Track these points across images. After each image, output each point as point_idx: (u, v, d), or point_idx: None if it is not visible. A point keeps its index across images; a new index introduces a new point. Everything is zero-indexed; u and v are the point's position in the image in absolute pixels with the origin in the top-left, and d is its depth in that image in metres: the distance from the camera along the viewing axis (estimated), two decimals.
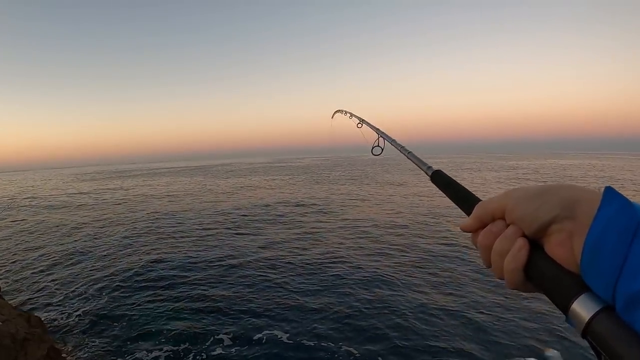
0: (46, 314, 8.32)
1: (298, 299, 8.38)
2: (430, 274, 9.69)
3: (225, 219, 18.20)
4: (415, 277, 9.46)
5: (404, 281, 9.18)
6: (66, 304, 8.90)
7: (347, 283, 9.19)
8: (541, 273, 0.47)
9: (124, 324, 7.79)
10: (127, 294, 9.30)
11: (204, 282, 9.78)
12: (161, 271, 10.72)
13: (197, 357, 6.45)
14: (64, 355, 6.27)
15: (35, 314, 7.20)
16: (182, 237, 14.86)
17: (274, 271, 10.27)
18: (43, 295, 9.49)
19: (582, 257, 0.42)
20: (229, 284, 9.54)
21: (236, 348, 6.67)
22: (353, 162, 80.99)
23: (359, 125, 2.42)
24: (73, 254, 13.26)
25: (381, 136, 1.74)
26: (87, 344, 7.06)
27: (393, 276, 9.50)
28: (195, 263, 11.31)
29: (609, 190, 0.43)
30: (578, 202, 0.45)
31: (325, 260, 10.99)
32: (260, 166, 77.34)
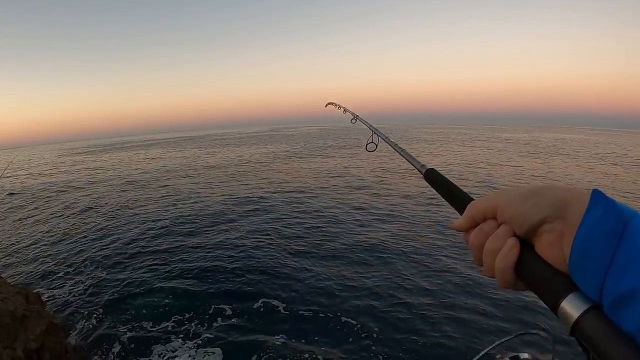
0: (44, 289, 8.49)
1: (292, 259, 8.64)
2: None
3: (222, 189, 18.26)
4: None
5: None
6: (63, 278, 9.09)
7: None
8: (531, 272, 0.48)
9: (122, 294, 8.05)
10: (124, 266, 9.54)
11: (202, 248, 9.99)
12: (157, 241, 10.91)
13: (199, 322, 6.72)
14: (63, 329, 6.44)
15: (33, 290, 7.35)
16: (172, 205, 14.94)
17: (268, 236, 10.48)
18: (40, 270, 9.66)
19: (571, 257, 0.43)
20: (223, 250, 9.74)
21: (235, 310, 6.99)
22: (347, 130, 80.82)
23: (353, 121, 2.51)
24: (68, 229, 13.36)
25: (375, 132, 1.76)
26: (86, 317, 7.29)
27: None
28: (191, 231, 11.48)
29: (595, 193, 0.45)
30: (568, 203, 0.46)
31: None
32: (255, 135, 76.66)
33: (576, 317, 0.40)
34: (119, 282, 8.63)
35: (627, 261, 0.39)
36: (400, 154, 1.28)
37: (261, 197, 16.18)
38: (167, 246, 10.69)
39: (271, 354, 5.86)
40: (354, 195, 16.24)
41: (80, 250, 10.99)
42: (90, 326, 7.01)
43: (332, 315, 6.85)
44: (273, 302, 7.38)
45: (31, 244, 11.98)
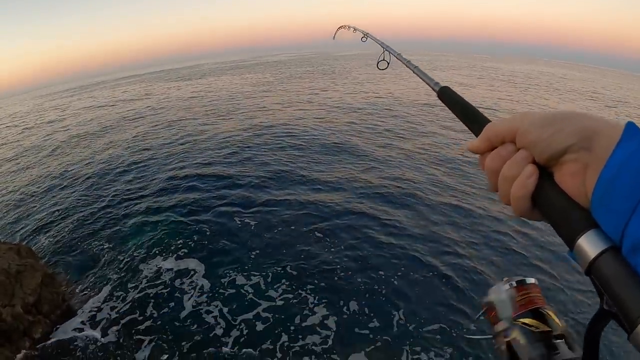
0: (35, 241, 9.12)
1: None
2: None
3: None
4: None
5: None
6: (53, 228, 9.68)
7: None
8: (549, 203, 0.46)
9: (112, 237, 8.84)
10: (106, 208, 10.26)
11: (187, 185, 10.61)
12: (136, 182, 11.45)
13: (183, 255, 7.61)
14: (58, 279, 7.17)
15: (24, 244, 7.95)
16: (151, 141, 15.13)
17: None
18: (28, 223, 10.19)
19: (594, 192, 0.41)
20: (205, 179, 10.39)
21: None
22: (327, 57, 77.54)
23: (364, 39, 2.51)
24: (54, 178, 13.62)
25: (386, 50, 1.70)
26: (78, 261, 8.04)
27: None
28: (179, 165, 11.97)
29: (630, 126, 0.41)
30: (597, 134, 0.42)
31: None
32: (233, 64, 72.90)
33: (593, 256, 0.39)
34: (103, 224, 9.43)
35: None
36: (413, 71, 1.24)
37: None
38: (146, 186, 11.24)
39: (249, 268, 6.81)
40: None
41: (66, 198, 11.50)
42: (83, 269, 7.80)
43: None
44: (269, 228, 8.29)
45: (16, 196, 12.40)
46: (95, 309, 6.57)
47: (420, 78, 1.11)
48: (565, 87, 40.11)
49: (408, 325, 5.89)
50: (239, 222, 8.92)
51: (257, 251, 7.86)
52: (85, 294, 7.08)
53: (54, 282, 6.66)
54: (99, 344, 5.79)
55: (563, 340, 0.50)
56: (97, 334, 5.98)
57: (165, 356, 5.50)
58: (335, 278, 7.02)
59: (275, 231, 8.52)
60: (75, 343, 5.82)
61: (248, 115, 20.75)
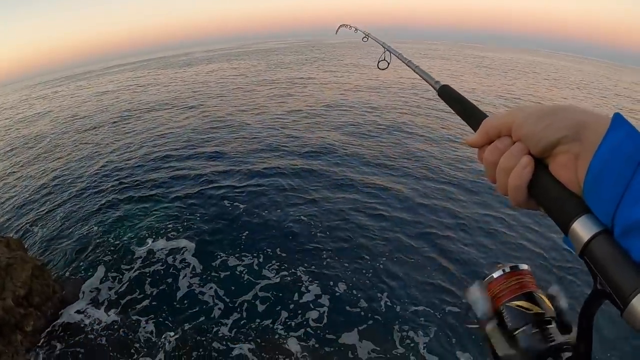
0: (23, 233, 9.00)
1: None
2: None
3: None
4: None
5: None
6: (40, 219, 9.56)
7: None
8: (544, 192, 0.48)
9: (102, 224, 8.79)
10: (99, 198, 10.11)
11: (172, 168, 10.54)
12: (130, 173, 11.28)
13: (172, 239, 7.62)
14: (48, 270, 7.10)
15: (13, 236, 7.85)
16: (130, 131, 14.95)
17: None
18: (15, 216, 10.04)
19: (586, 180, 0.43)
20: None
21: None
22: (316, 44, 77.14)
23: (365, 39, 2.58)
24: (40, 170, 13.38)
25: (387, 50, 1.75)
26: (67, 252, 7.96)
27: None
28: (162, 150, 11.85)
29: (617, 117, 0.43)
30: (586, 125, 0.45)
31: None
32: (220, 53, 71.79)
33: (587, 239, 0.41)
34: (91, 212, 9.39)
35: None
36: (414, 70, 1.28)
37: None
38: (133, 172, 11.10)
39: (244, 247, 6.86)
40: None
41: (47, 189, 11.35)
42: (75, 257, 7.77)
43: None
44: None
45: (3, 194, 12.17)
46: (94, 291, 6.70)
47: (421, 77, 1.14)
48: (543, 74, 40.48)
49: (396, 304, 6.07)
50: (229, 205, 9.02)
51: (247, 232, 7.99)
52: (79, 279, 7.07)
53: (44, 274, 6.60)
54: (102, 324, 5.93)
55: (554, 324, 0.52)
56: (99, 314, 6.12)
57: (171, 333, 5.66)
58: (327, 258, 7.15)
59: (264, 213, 8.64)
60: (79, 326, 5.94)
61: (234, 99, 20.71)
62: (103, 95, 29.69)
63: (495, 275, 0.56)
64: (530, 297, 0.53)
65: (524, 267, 0.56)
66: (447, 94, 0.85)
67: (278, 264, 7.04)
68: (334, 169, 10.75)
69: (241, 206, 8.93)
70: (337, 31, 3.86)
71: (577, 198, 0.45)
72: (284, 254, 7.29)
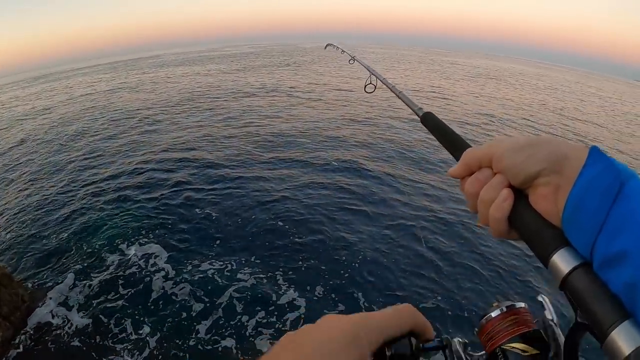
0: None
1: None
2: None
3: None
4: None
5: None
6: (7, 227, 9.13)
7: None
8: (524, 224, 0.48)
9: (71, 230, 8.53)
10: (67, 204, 9.81)
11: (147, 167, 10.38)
12: (100, 178, 10.96)
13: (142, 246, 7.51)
14: (16, 279, 6.86)
15: None
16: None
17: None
18: None
19: (564, 212, 0.43)
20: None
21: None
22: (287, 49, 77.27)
23: (351, 62, 2.63)
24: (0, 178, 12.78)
25: (373, 74, 1.79)
26: (36, 260, 7.66)
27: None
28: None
29: (594, 150, 0.44)
30: (566, 158, 0.45)
31: None
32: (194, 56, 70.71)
33: (566, 272, 0.41)
34: (60, 218, 9.08)
35: (620, 222, 0.38)
36: (397, 95, 1.29)
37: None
38: (101, 177, 10.79)
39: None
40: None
41: (10, 194, 10.90)
42: (43, 264, 7.52)
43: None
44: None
45: None
46: (64, 297, 6.53)
47: (404, 102, 1.14)
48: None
49: (373, 303, 6.19)
50: (199, 210, 8.95)
51: (220, 234, 7.99)
52: (48, 286, 6.86)
53: (12, 283, 6.38)
54: (73, 328, 5.81)
55: None
56: (70, 319, 6.00)
57: (147, 334, 5.63)
58: (302, 258, 7.25)
59: (235, 215, 8.64)
60: (50, 332, 5.80)
61: (206, 102, 20.55)
62: (69, 100, 28.57)
63: (493, 314, 0.52)
64: (526, 337, 0.50)
65: (521, 305, 0.54)
66: (430, 121, 0.86)
67: (252, 265, 7.09)
68: (304, 169, 10.93)
69: (212, 209, 8.90)
70: (325, 47, 3.98)
71: (556, 230, 0.45)
72: (257, 256, 7.35)
